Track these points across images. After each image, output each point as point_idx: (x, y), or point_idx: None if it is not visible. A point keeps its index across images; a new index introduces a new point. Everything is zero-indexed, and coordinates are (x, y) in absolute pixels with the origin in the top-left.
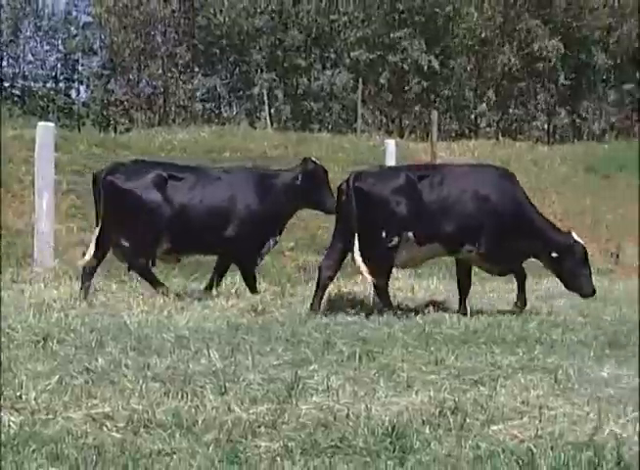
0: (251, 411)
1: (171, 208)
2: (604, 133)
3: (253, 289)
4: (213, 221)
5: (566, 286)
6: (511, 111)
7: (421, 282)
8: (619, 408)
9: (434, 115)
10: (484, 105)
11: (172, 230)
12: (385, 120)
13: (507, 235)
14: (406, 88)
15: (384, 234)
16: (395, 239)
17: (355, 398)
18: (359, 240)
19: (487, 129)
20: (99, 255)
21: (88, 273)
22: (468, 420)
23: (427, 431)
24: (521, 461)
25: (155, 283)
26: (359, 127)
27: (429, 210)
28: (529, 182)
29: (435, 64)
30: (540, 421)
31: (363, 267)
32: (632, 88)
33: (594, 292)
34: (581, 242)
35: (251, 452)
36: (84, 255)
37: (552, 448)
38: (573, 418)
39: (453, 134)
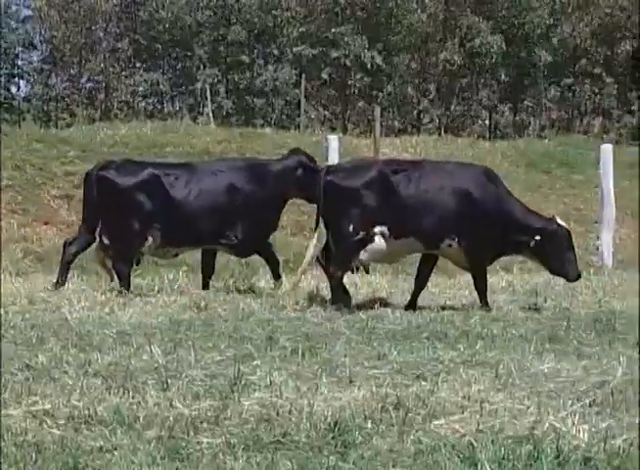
0: (193, 407)
1: (166, 204)
2: (544, 129)
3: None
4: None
5: (551, 271)
6: (453, 107)
7: (363, 278)
8: (559, 402)
9: (377, 110)
10: (427, 101)
11: (166, 226)
12: (328, 116)
13: (489, 230)
14: (349, 84)
15: (350, 228)
16: (362, 234)
17: (298, 393)
18: (327, 232)
19: (430, 125)
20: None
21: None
22: (410, 415)
23: (369, 426)
24: (461, 455)
25: (126, 287)
26: (302, 123)
27: (403, 204)
28: None
29: (378, 60)
30: (481, 415)
31: (310, 256)
32: (572, 84)
33: (579, 276)
34: (566, 226)
35: (192, 448)
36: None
37: (492, 442)
38: (514, 412)
39: (396, 130)
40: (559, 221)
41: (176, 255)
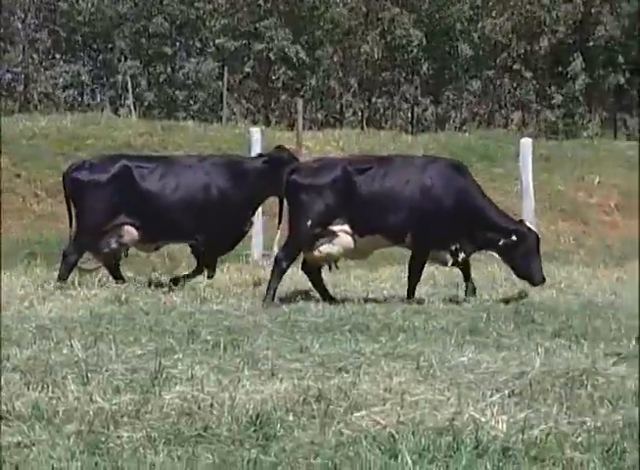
0: (113, 401)
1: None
2: (465, 123)
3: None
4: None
5: (517, 274)
6: (375, 100)
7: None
8: (478, 393)
9: (300, 104)
10: (350, 94)
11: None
12: (251, 109)
13: (452, 224)
14: (272, 77)
15: (309, 223)
16: (318, 229)
17: (220, 386)
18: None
19: (353, 119)
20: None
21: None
22: (331, 407)
23: (290, 418)
24: (382, 447)
25: (63, 277)
26: (225, 116)
27: (365, 201)
28: None
29: (302, 53)
30: (402, 407)
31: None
32: (492, 78)
33: (544, 280)
34: (535, 230)
35: (112, 443)
36: None
37: (413, 434)
38: (434, 404)
39: (319, 123)
40: (528, 225)
41: (157, 248)
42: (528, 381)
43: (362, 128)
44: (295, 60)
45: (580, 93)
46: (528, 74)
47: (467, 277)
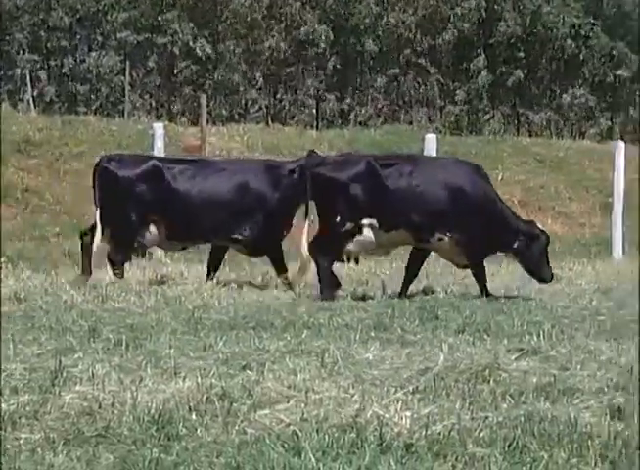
0: (11, 402)
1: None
2: (370, 119)
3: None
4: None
5: (530, 273)
6: (279, 95)
7: (190, 268)
8: (383, 390)
9: (204, 99)
10: (254, 89)
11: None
12: (154, 104)
13: (479, 225)
14: (175, 72)
15: (338, 219)
16: (349, 225)
17: (121, 385)
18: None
19: (257, 114)
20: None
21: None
22: (235, 405)
23: (193, 417)
24: (286, 445)
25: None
26: (127, 111)
27: (393, 197)
28: None
29: (207, 47)
30: (306, 405)
31: (305, 250)
32: (397, 74)
33: (552, 278)
34: (545, 231)
35: (10, 444)
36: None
37: (317, 431)
38: (338, 401)
39: (223, 119)
40: (539, 226)
41: (184, 248)
42: (432, 377)
43: (267, 124)
44: (199, 54)
45: (483, 89)
46: (433, 70)
47: (482, 281)
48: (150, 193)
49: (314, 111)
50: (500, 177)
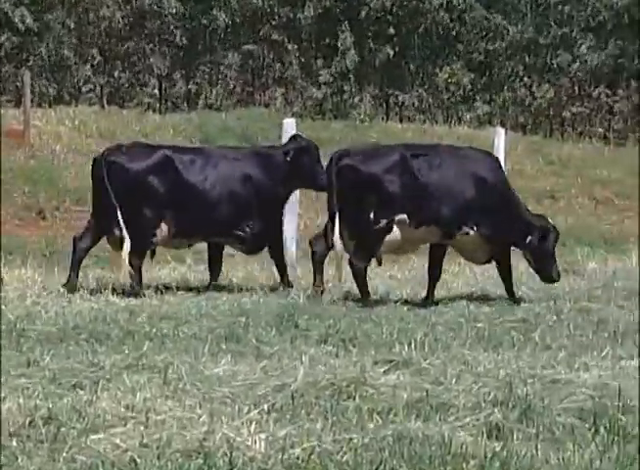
0: None
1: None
2: (221, 100)
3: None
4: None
5: (538, 271)
6: (117, 74)
7: (11, 272)
8: (234, 409)
9: (27, 76)
10: (88, 67)
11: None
12: None
13: (502, 218)
14: None
15: (372, 216)
16: (384, 222)
17: None
18: (341, 221)
19: (91, 95)
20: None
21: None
22: (63, 430)
23: (14, 444)
24: None
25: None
26: None
27: (425, 191)
28: None
29: (28, 18)
30: (146, 427)
31: (340, 248)
32: (253, 51)
33: (559, 277)
34: (555, 226)
35: None
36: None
37: (159, 457)
38: (184, 422)
39: (50, 99)
40: (550, 221)
41: (190, 245)
42: (290, 394)
43: (103, 106)
44: (19, 25)
45: (350, 69)
46: (292, 47)
47: (508, 277)
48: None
49: (157, 92)
50: None
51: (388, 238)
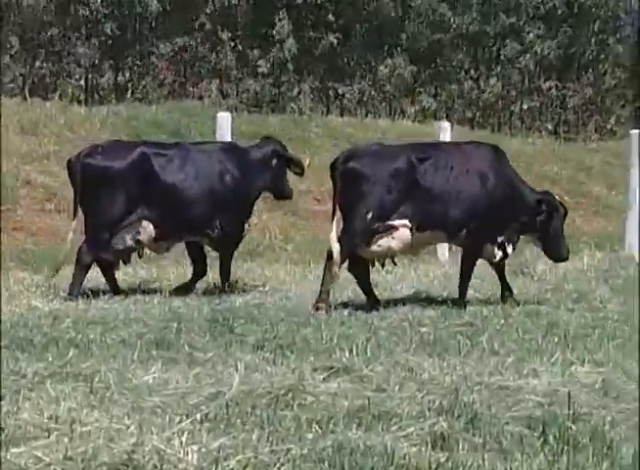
0: None
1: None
2: (152, 92)
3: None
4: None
5: (547, 252)
6: (39, 64)
7: None
8: (165, 419)
9: None
10: (7, 56)
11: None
12: None
13: (506, 215)
14: None
15: (369, 215)
16: (379, 223)
17: None
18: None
19: (12, 85)
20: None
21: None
22: None
23: None
24: None
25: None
26: None
27: (429, 192)
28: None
29: None
30: (71, 439)
31: (336, 252)
32: (186, 41)
33: (567, 257)
34: (562, 203)
35: None
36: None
37: None
38: (111, 433)
39: None
40: (556, 197)
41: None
42: (225, 403)
43: (25, 98)
44: None
45: (288, 59)
46: (227, 36)
47: (503, 277)
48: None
49: (83, 83)
50: (308, 162)
51: (397, 238)
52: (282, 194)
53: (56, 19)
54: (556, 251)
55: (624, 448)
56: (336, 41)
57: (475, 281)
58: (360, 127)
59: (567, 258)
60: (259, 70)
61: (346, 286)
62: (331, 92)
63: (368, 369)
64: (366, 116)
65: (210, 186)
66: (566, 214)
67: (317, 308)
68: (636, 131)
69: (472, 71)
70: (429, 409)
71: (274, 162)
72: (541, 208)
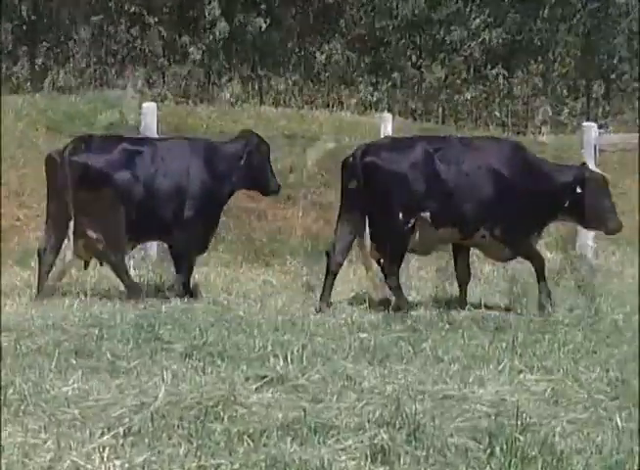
0: None
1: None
2: (71, 81)
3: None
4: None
5: (588, 228)
6: None
7: None
8: (85, 433)
9: None
10: None
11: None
12: None
13: (526, 210)
14: None
15: (400, 215)
16: (412, 220)
17: None
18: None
19: None
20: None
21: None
22: None
23: None
24: None
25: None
26: None
27: (449, 187)
28: None
29: None
30: None
31: (374, 253)
32: (103, 23)
33: (620, 226)
34: (600, 172)
35: None
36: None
37: None
38: (26, 448)
39: None
40: (591, 168)
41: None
42: (150, 415)
43: None
44: None
45: (219, 45)
46: (153, 20)
47: (542, 277)
48: None
49: None
50: None
51: (417, 236)
52: (266, 190)
53: None
54: (599, 225)
55: (575, 460)
56: (266, 25)
57: (418, 283)
58: (296, 119)
59: (615, 230)
60: (187, 57)
61: (281, 290)
62: (264, 81)
63: (304, 378)
64: (302, 107)
65: (177, 185)
66: (606, 184)
67: (319, 310)
68: (589, 124)
69: (414, 59)
70: (368, 421)
71: (252, 157)
72: (571, 190)
